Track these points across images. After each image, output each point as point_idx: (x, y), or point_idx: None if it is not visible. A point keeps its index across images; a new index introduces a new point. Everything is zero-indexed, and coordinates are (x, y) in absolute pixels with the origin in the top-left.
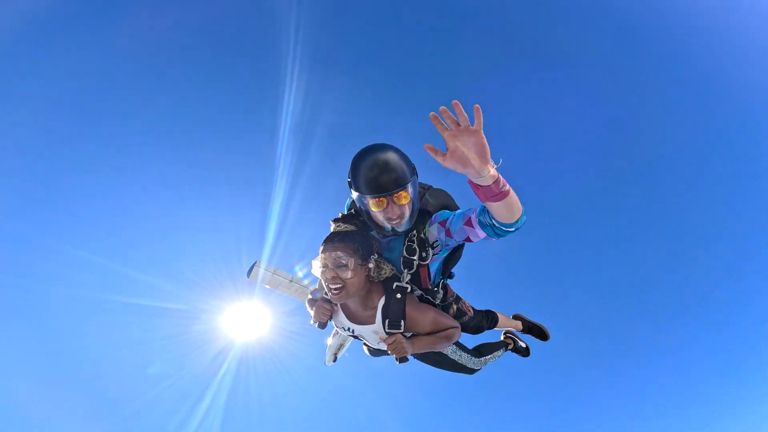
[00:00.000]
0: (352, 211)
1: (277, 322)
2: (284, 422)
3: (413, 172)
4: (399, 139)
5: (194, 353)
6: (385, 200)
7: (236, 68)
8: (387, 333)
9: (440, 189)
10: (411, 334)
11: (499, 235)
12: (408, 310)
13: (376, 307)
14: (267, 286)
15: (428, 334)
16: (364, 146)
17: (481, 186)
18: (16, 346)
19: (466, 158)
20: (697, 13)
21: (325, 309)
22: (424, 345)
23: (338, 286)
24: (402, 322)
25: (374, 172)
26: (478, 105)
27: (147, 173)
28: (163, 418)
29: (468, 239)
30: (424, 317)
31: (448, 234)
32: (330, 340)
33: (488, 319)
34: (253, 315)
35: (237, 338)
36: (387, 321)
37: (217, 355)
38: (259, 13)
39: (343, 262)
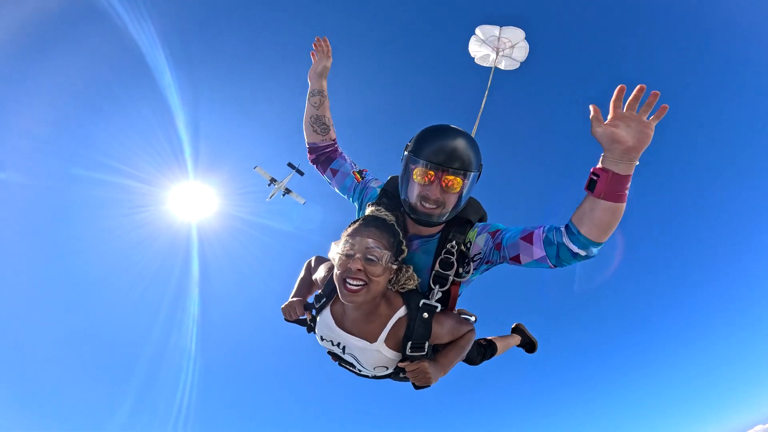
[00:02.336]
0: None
1: (225, 200)
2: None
3: (479, 168)
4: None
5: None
6: (433, 175)
7: None
8: (409, 357)
9: (474, 199)
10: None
11: (560, 260)
12: (434, 326)
13: (384, 322)
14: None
15: (447, 344)
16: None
17: (614, 174)
18: None
19: (624, 138)
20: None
21: (298, 307)
22: (449, 364)
23: (361, 283)
24: (427, 344)
25: (447, 140)
26: (666, 105)
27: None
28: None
29: (516, 258)
30: (443, 328)
31: (497, 247)
32: None
33: (486, 351)
34: (198, 194)
35: (189, 218)
36: (410, 343)
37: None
38: None
39: (376, 255)
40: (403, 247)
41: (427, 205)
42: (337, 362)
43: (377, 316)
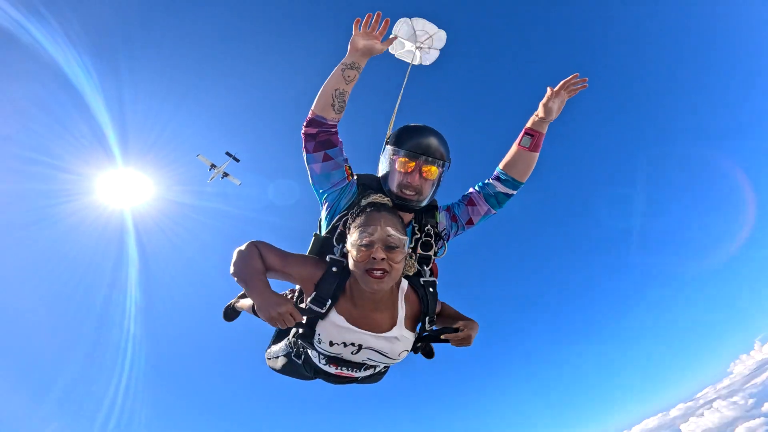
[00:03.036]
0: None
1: (162, 186)
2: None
3: (449, 161)
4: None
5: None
6: (414, 165)
7: None
8: (430, 333)
9: None
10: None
11: (500, 205)
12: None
13: (394, 308)
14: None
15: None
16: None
17: (539, 133)
18: None
19: (555, 110)
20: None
21: (296, 315)
22: (471, 320)
23: (383, 270)
24: (435, 317)
25: (424, 136)
26: (586, 83)
27: None
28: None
29: (469, 222)
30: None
31: (453, 219)
32: (276, 348)
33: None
34: (130, 181)
35: (121, 205)
36: (427, 318)
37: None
38: None
39: (395, 242)
40: (405, 233)
41: (407, 192)
42: (322, 375)
43: (385, 304)
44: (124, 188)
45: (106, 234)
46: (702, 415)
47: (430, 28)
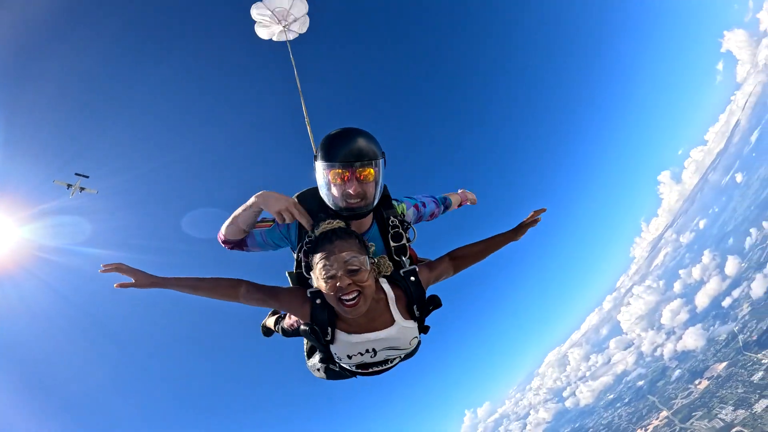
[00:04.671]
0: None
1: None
2: None
3: (382, 155)
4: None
5: None
6: (348, 174)
7: None
8: (419, 313)
9: None
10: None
11: (445, 211)
12: (423, 281)
13: (386, 304)
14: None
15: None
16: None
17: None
18: None
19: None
20: None
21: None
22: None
23: (355, 294)
24: (425, 295)
25: (344, 142)
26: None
27: None
28: None
29: (420, 218)
30: (430, 273)
31: (418, 219)
32: (313, 361)
33: None
34: None
35: None
36: (415, 306)
37: None
38: None
39: (355, 264)
40: (368, 243)
41: (352, 201)
42: (353, 374)
43: (377, 311)
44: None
45: None
46: (629, 303)
47: (282, 1)
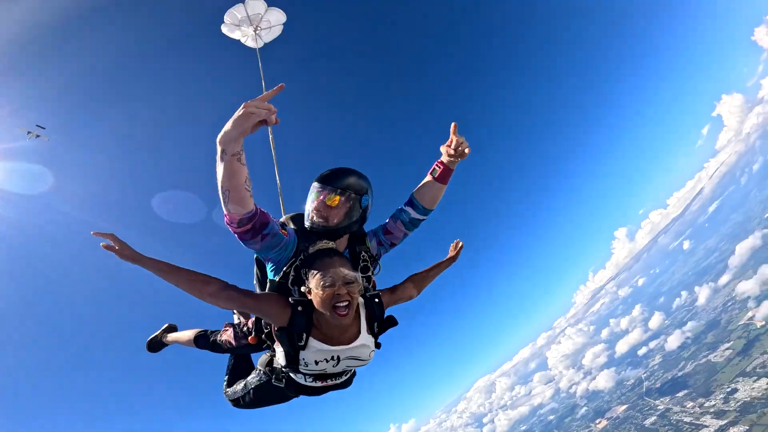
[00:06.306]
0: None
1: None
2: None
3: (360, 200)
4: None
5: None
6: (323, 194)
7: None
8: (377, 332)
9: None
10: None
11: (414, 227)
12: (384, 303)
13: (359, 320)
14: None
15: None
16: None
17: (446, 167)
18: None
19: (458, 156)
20: None
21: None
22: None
23: (347, 303)
24: (385, 316)
25: (335, 172)
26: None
27: None
28: None
29: (393, 244)
30: (389, 299)
31: (379, 243)
32: (240, 386)
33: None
34: None
35: None
36: (376, 324)
37: None
38: None
39: (351, 278)
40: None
41: (316, 219)
42: (305, 391)
43: (353, 320)
44: None
45: None
46: (560, 342)
47: (259, 7)
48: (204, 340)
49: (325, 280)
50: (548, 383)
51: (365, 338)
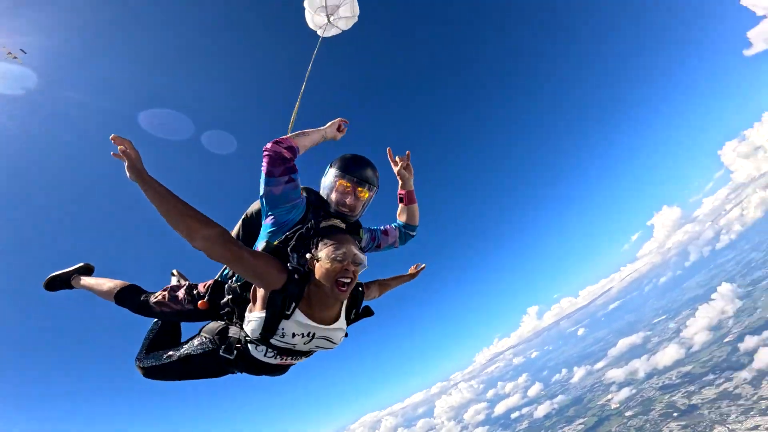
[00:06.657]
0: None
1: None
2: None
3: (378, 186)
4: None
5: None
6: (351, 187)
7: None
8: (354, 317)
9: None
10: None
11: (403, 242)
12: (365, 294)
13: (340, 305)
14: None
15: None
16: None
17: (408, 191)
18: None
19: (403, 175)
20: None
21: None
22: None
23: (349, 280)
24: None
25: (362, 164)
26: (408, 152)
27: None
28: None
29: (378, 246)
30: (370, 293)
31: (372, 239)
32: (177, 351)
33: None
34: None
35: None
36: (354, 311)
37: None
38: None
39: (360, 260)
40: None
41: (343, 208)
42: (251, 368)
43: (334, 303)
44: None
45: None
46: (450, 394)
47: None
48: (132, 297)
49: (337, 253)
50: (429, 431)
51: (342, 323)
